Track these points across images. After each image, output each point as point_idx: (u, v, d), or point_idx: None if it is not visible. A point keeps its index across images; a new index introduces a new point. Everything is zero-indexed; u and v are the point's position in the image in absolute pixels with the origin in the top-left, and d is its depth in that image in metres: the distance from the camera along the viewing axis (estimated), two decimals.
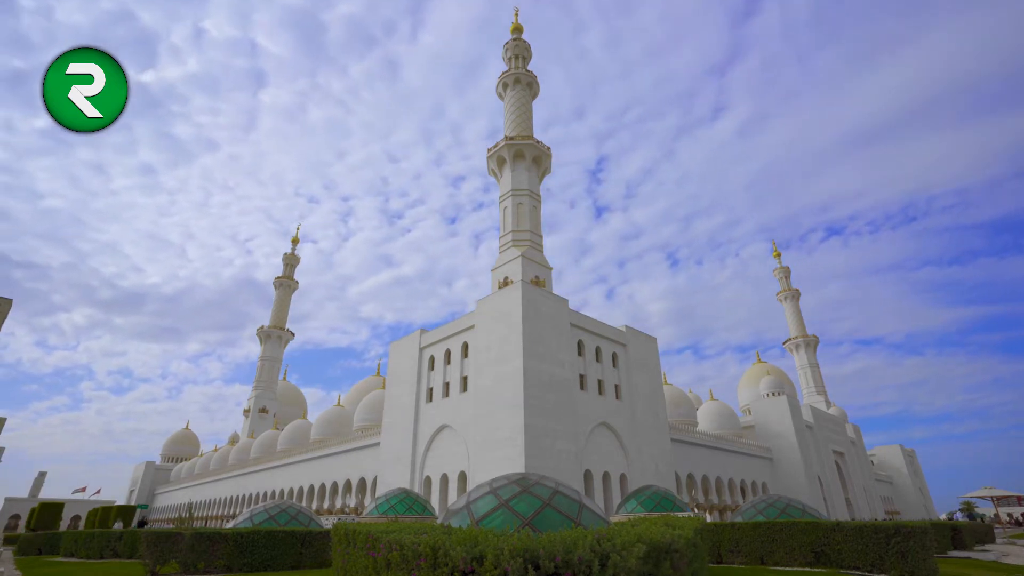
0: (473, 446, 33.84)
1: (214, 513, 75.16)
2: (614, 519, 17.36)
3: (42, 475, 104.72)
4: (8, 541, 54.41)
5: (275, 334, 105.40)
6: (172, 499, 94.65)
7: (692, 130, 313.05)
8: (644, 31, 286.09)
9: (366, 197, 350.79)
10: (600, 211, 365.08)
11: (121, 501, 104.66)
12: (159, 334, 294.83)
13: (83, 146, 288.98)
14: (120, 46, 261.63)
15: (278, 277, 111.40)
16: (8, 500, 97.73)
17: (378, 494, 34.68)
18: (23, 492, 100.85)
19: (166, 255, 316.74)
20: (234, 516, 66.82)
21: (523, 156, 50.13)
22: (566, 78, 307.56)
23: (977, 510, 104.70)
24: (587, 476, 34.78)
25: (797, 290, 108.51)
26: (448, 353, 39.96)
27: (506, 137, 51.46)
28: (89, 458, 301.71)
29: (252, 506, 45.40)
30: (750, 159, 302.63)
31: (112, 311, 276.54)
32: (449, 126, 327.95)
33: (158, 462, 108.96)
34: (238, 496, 69.97)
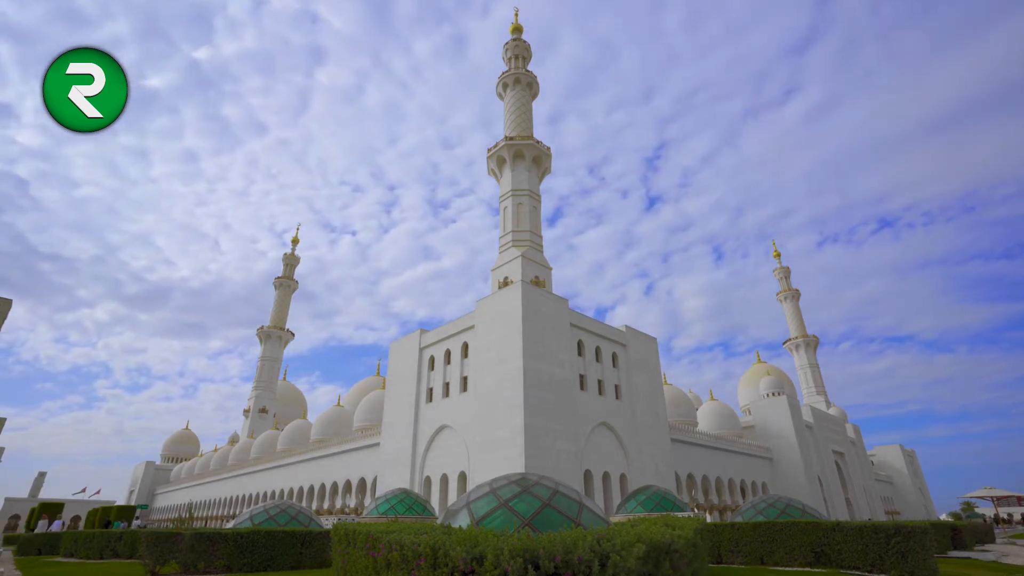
0: (473, 446, 33.84)
1: (214, 513, 75.16)
2: (614, 519, 17.38)
3: (42, 475, 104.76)
4: (8, 541, 54.41)
5: (275, 334, 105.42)
6: (172, 499, 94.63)
7: (759, 114, 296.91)
8: (725, 7, 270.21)
9: (414, 185, 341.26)
10: (652, 201, 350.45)
11: (121, 501, 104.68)
12: (182, 330, 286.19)
13: (127, 132, 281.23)
14: (175, 19, 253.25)
15: (278, 277, 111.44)
16: (8, 500, 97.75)
17: (378, 494, 34.68)
18: (26, 492, 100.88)
19: (198, 247, 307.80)
20: (234, 516, 66.83)
21: (523, 156, 50.13)
22: (640, 59, 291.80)
23: (977, 510, 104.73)
24: (587, 476, 34.78)
25: (797, 290, 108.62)
26: (448, 353, 39.96)
27: (506, 137, 51.45)
28: (98, 458, 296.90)
29: (252, 506, 45.41)
30: (814, 145, 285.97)
31: (137, 306, 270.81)
32: None
33: (158, 462, 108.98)
34: (238, 496, 69.96)
